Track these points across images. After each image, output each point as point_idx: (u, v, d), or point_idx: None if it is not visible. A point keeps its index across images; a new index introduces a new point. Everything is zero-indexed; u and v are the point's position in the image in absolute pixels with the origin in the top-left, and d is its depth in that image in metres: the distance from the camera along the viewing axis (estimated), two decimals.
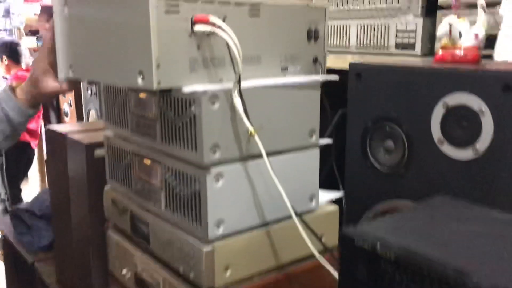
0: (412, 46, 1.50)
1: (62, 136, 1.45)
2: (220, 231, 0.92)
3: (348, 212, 1.22)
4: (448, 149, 1.01)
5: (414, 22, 1.48)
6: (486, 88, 0.94)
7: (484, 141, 0.95)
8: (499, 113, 0.93)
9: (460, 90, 0.98)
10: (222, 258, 0.93)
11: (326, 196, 1.14)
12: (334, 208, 1.11)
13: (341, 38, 1.69)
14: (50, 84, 1.01)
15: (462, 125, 0.98)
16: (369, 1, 1.60)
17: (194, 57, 0.86)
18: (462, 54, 1.08)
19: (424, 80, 1.04)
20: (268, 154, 0.97)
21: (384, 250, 0.60)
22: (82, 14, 0.97)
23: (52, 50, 1.00)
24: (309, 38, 1.06)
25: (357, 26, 1.64)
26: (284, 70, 1.03)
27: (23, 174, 4.41)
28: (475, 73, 0.96)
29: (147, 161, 1.05)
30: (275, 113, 0.97)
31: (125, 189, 1.16)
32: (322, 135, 1.08)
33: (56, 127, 1.55)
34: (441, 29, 1.11)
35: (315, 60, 1.09)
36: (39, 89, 1.01)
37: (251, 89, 0.93)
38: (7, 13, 5.86)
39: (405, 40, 1.52)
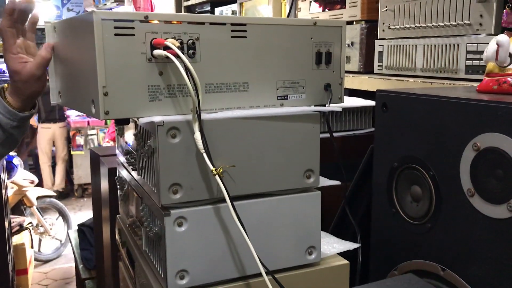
0: (484, 71, 1.25)
1: (97, 157, 1.44)
2: (183, 282, 0.80)
3: (374, 264, 1.03)
4: (479, 203, 0.79)
5: (486, 42, 1.23)
6: None
7: None
8: None
9: (492, 130, 0.76)
10: None
11: (338, 246, 0.97)
12: (343, 263, 0.93)
13: (407, 59, 1.49)
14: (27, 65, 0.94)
15: (496, 174, 0.76)
16: (437, 18, 1.37)
17: (155, 85, 0.77)
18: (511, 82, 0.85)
19: (455, 114, 0.83)
20: (249, 197, 0.84)
21: None
22: (60, 44, 0.93)
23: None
24: (318, 62, 0.91)
25: (424, 46, 1.42)
26: (282, 99, 0.89)
27: None
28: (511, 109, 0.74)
29: (135, 194, 0.97)
30: (259, 148, 0.84)
31: (126, 220, 1.09)
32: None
33: (98, 149, 1.55)
34: (487, 50, 0.89)
35: (327, 88, 0.93)
36: (23, 86, 0.95)
37: (226, 121, 0.81)
38: None
39: (476, 63, 1.27)
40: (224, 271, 0.83)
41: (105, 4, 5.35)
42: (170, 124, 0.76)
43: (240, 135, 0.82)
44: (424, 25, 1.41)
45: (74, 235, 2.14)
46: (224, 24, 0.81)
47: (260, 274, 0.82)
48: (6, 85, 0.98)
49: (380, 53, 1.60)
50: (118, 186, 1.14)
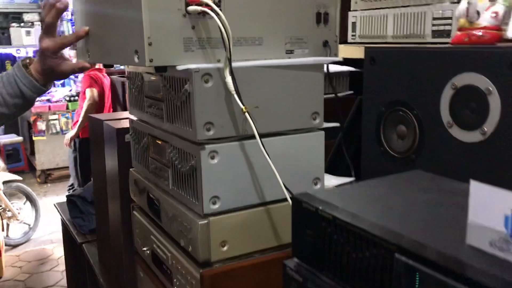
0: (448, 34, 1.44)
1: (99, 122, 1.54)
2: (216, 207, 0.94)
3: None
4: (457, 132, 0.97)
5: (450, 9, 1.42)
6: (492, 67, 0.89)
7: (491, 122, 0.90)
8: (506, 92, 0.88)
9: (467, 71, 0.93)
10: (218, 233, 0.95)
11: (335, 181, 1.13)
12: None
13: (378, 28, 1.66)
14: (65, 64, 1.08)
15: (470, 107, 0.94)
16: None
17: (189, 37, 0.90)
18: (480, 35, 1.03)
19: (433, 62, 1.00)
20: (266, 135, 0.98)
21: (324, 212, 0.60)
22: (93, 2, 1.04)
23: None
24: (317, 21, 1.06)
25: (394, 15, 1.60)
26: (290, 53, 1.04)
27: None
28: (482, 52, 0.92)
29: (159, 142, 1.10)
30: (274, 94, 0.98)
31: (144, 170, 1.22)
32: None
33: (98, 115, 1.65)
34: (459, 8, 1.07)
35: (325, 44, 1.08)
36: (53, 69, 1.08)
37: (248, 69, 0.95)
38: None
39: (441, 28, 1.46)
40: (250, 197, 0.97)
41: None
42: (204, 71, 0.90)
43: (260, 81, 0.96)
44: None
45: (62, 207, 2.23)
46: None
47: (279, 200, 0.98)
48: (29, 60, 1.11)
49: (353, 24, 1.77)
50: (133, 142, 1.26)
